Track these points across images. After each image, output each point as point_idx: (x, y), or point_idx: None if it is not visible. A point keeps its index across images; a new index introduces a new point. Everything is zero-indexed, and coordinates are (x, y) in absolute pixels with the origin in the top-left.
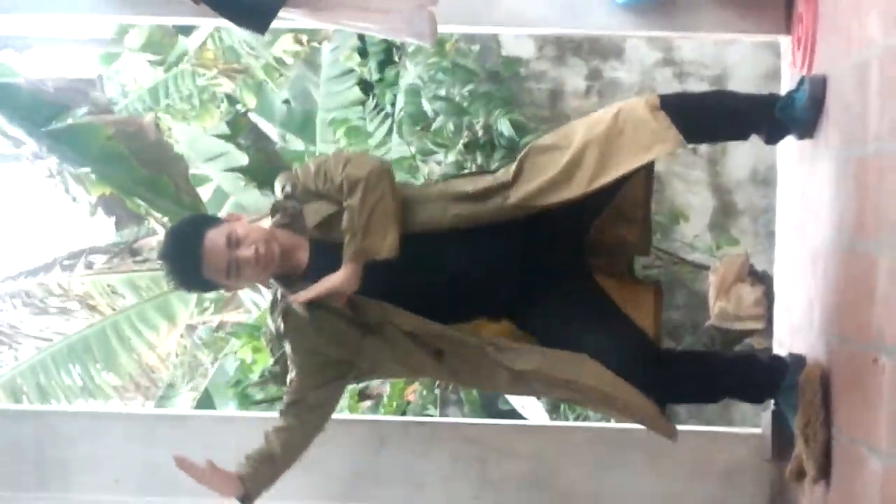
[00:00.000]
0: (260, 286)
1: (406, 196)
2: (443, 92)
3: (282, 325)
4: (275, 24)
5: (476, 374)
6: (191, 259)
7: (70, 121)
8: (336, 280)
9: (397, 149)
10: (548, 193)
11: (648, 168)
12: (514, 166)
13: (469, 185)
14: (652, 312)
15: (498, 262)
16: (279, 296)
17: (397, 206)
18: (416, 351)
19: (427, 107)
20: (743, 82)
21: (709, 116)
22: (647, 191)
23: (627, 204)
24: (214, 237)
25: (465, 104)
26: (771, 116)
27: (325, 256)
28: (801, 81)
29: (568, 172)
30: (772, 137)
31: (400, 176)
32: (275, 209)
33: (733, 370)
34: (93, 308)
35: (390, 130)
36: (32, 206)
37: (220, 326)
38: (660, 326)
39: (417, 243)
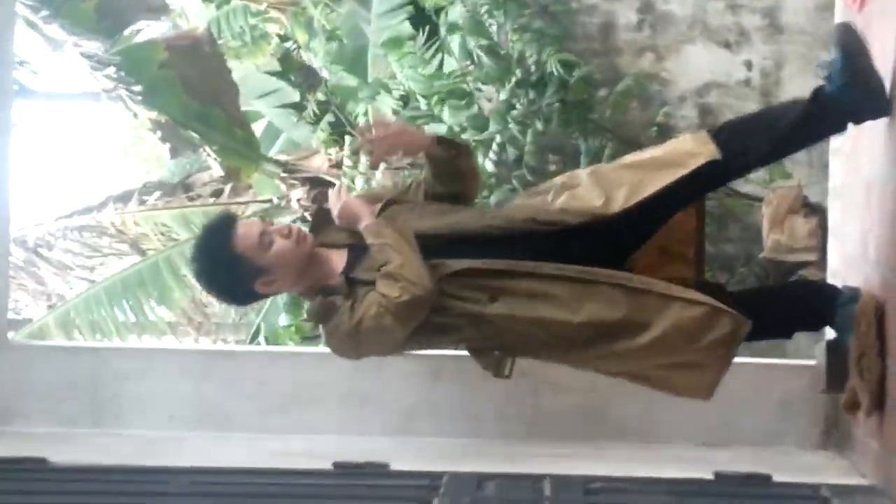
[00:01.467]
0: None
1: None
2: (494, 27)
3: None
4: None
5: (533, 304)
6: (223, 233)
7: (127, 32)
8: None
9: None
10: (580, 210)
11: (699, 206)
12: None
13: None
14: (692, 246)
15: None
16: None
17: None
18: (467, 303)
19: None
20: (795, 14)
21: (758, 133)
22: (698, 228)
23: (675, 242)
24: (249, 220)
25: (516, 39)
26: (819, 101)
27: (365, 259)
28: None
29: (604, 191)
30: (841, 121)
31: (455, 104)
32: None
33: (789, 298)
34: (143, 251)
35: (441, 64)
36: (95, 136)
37: None
38: (703, 256)
39: (447, 245)
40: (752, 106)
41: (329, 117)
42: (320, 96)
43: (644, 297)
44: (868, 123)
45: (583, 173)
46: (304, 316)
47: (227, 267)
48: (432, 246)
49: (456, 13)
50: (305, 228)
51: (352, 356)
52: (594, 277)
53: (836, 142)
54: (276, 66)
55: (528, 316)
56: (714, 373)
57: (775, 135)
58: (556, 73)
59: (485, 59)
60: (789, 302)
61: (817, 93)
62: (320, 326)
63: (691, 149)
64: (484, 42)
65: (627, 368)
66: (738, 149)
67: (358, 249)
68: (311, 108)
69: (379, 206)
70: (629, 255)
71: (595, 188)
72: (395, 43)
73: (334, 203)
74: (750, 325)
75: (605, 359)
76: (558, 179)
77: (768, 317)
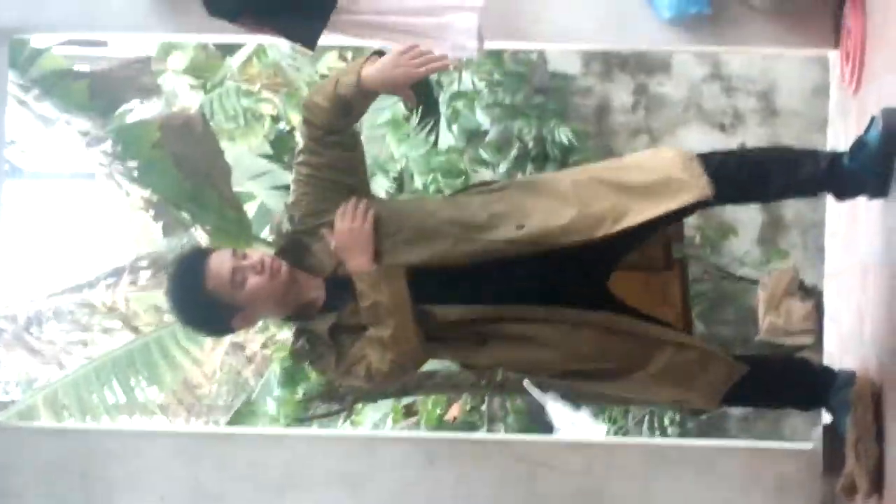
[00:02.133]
0: None
1: (414, 225)
2: (498, 99)
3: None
4: (321, 42)
5: (521, 348)
6: (194, 273)
7: (119, 111)
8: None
9: (446, 157)
10: (561, 235)
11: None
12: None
13: (481, 212)
14: (679, 299)
15: (512, 295)
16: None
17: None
18: (457, 347)
19: (481, 115)
20: (790, 96)
21: (751, 171)
22: (682, 285)
23: (661, 299)
24: (220, 253)
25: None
26: (833, 170)
27: (344, 290)
28: (872, 120)
29: (583, 214)
30: (844, 193)
31: (451, 185)
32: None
33: (784, 372)
34: (136, 329)
35: (436, 142)
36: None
37: (267, 344)
38: (689, 307)
39: (429, 276)
40: None
41: None
42: None
43: (635, 342)
44: (863, 206)
45: (563, 179)
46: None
47: (201, 307)
48: (421, 281)
49: (456, 88)
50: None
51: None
52: (586, 319)
53: (832, 225)
54: (269, 149)
55: (517, 359)
56: (705, 400)
57: (775, 188)
58: (564, 142)
59: (495, 124)
60: (784, 375)
61: (833, 162)
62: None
63: (681, 178)
64: (498, 100)
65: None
66: (731, 190)
67: (337, 282)
68: None
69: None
70: (606, 275)
71: (574, 204)
72: (396, 123)
73: (340, 228)
74: (745, 370)
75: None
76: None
77: (760, 385)
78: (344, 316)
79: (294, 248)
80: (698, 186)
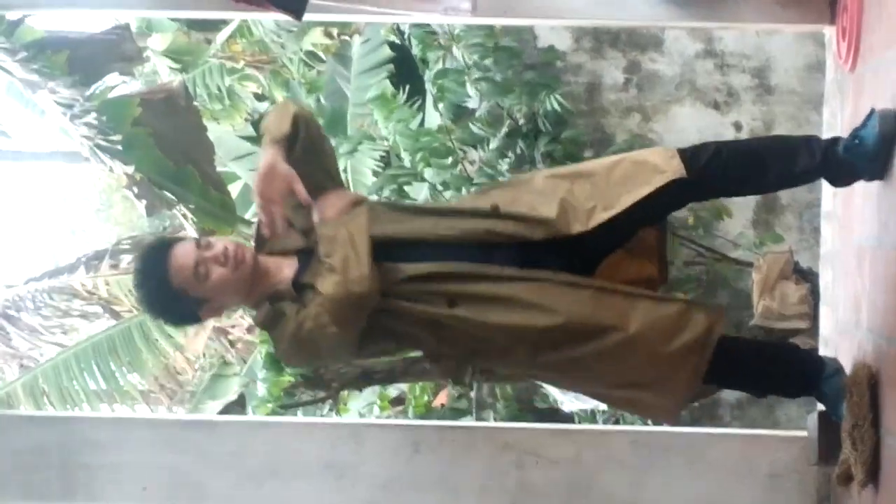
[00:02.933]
0: None
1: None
2: (488, 75)
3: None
4: (306, 17)
5: (492, 309)
6: (158, 267)
7: (100, 85)
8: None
9: (433, 136)
10: (538, 228)
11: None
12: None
13: (463, 204)
14: (655, 255)
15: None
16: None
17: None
18: (425, 308)
19: (471, 90)
20: (785, 73)
21: (745, 163)
22: (659, 238)
23: (641, 248)
24: (183, 245)
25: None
26: (828, 159)
27: (314, 262)
28: (870, 116)
29: (562, 205)
30: (839, 180)
31: (440, 164)
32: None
33: (774, 357)
34: (116, 314)
35: (423, 122)
36: (66, 197)
37: (251, 329)
38: (666, 266)
39: (407, 250)
40: None
41: None
42: None
43: (610, 297)
44: (860, 188)
45: (539, 177)
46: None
47: (168, 300)
48: (393, 250)
49: (441, 66)
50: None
51: (301, 363)
52: (557, 279)
53: (827, 206)
54: (252, 131)
55: (487, 321)
56: (680, 389)
57: (770, 181)
58: (556, 110)
59: (485, 100)
60: (774, 361)
61: (828, 150)
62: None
63: (656, 164)
64: (488, 76)
65: (592, 385)
66: (723, 182)
67: (309, 253)
68: None
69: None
70: (592, 269)
71: (552, 199)
72: (383, 99)
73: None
74: (723, 316)
75: (571, 368)
76: (511, 180)
77: (748, 368)
78: (308, 275)
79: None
80: (671, 169)
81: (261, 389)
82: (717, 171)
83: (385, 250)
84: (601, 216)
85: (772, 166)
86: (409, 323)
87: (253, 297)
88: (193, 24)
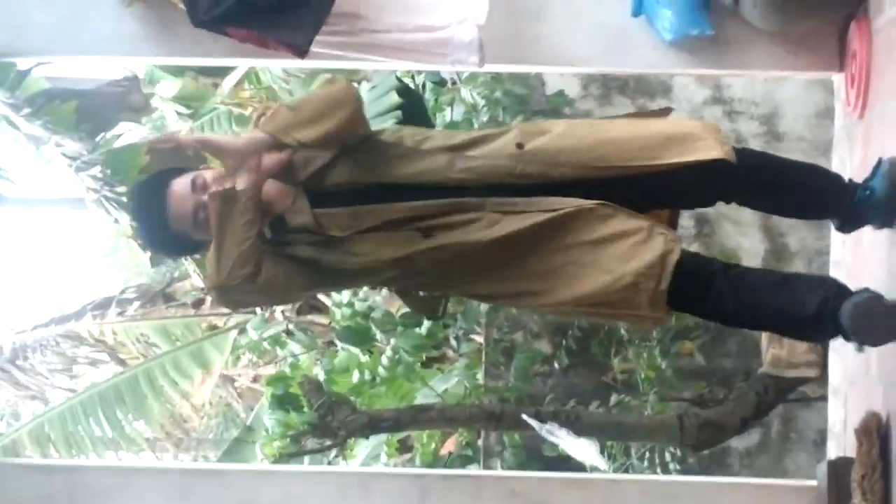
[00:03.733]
0: None
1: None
2: (499, 117)
3: None
4: (314, 64)
5: (466, 230)
6: (156, 210)
7: (108, 134)
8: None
9: None
10: (562, 163)
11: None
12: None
13: (474, 134)
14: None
15: None
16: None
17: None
18: (398, 237)
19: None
20: (794, 120)
21: (779, 177)
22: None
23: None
24: (180, 183)
25: None
26: (849, 203)
27: (320, 206)
28: (878, 165)
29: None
30: (847, 226)
31: None
32: None
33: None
34: (122, 361)
35: None
36: (73, 243)
37: (257, 378)
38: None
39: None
40: (748, 215)
41: None
42: None
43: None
44: (868, 236)
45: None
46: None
47: (168, 243)
48: (387, 193)
49: (449, 119)
50: None
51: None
52: (541, 206)
53: (836, 254)
54: None
55: (459, 243)
56: (644, 311)
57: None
58: None
59: None
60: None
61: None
62: None
63: (704, 136)
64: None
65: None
66: (752, 169)
67: (313, 195)
68: None
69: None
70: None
71: (587, 140)
72: None
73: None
74: (678, 242)
75: (546, 275)
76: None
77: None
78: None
79: None
80: (722, 149)
81: (268, 423)
82: (751, 167)
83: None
84: (643, 163)
85: (800, 185)
86: (374, 262)
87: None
88: (202, 70)
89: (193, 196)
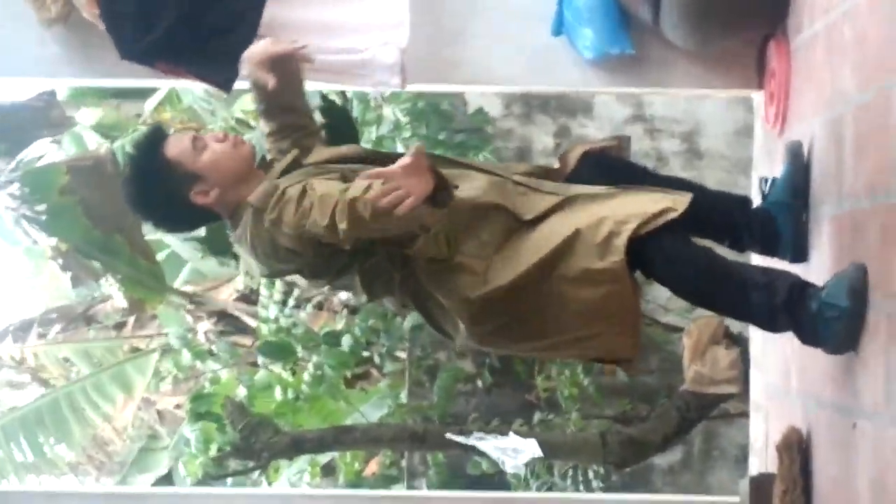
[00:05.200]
0: None
1: None
2: (422, 132)
3: None
4: (235, 85)
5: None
6: (153, 141)
7: (28, 154)
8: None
9: None
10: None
11: None
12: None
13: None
14: None
15: None
16: None
17: None
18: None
19: (402, 149)
20: (715, 138)
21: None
22: None
23: None
24: (178, 133)
25: (443, 149)
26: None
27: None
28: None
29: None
30: (764, 245)
31: None
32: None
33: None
34: (45, 382)
35: None
36: None
37: (179, 405)
38: None
39: None
40: None
41: None
42: None
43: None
44: None
45: None
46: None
47: (158, 177)
48: None
49: (380, 129)
50: None
51: (289, 246)
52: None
53: None
54: None
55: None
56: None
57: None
58: None
59: None
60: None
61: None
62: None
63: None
64: (421, 133)
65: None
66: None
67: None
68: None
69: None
70: None
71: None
72: None
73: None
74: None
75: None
76: None
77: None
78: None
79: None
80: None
81: (191, 438)
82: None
83: None
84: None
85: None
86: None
87: (238, 193)
88: (123, 94)
89: (194, 133)
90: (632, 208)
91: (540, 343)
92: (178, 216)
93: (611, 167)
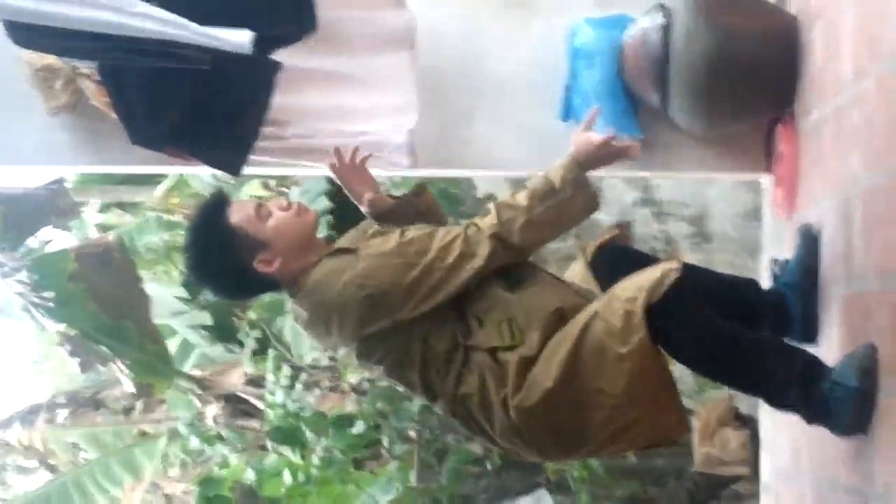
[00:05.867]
0: None
1: None
2: None
3: None
4: (244, 170)
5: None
6: (218, 208)
7: (36, 241)
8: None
9: None
10: None
11: None
12: None
13: None
14: None
15: None
16: None
17: None
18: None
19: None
20: (723, 221)
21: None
22: None
23: None
24: (241, 199)
25: None
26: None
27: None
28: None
29: None
30: (775, 325)
31: None
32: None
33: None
34: (53, 468)
35: None
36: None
37: (187, 492)
38: None
39: None
40: None
41: (256, 332)
42: (251, 315)
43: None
44: None
45: None
46: None
47: (222, 244)
48: None
49: None
50: None
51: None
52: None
53: None
54: (184, 293)
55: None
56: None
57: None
58: None
59: None
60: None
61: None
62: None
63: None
64: None
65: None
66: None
67: None
68: (245, 329)
69: None
70: None
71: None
72: None
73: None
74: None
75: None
76: None
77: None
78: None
79: None
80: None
81: None
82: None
83: None
84: None
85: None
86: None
87: (299, 262)
88: (131, 181)
89: (257, 201)
90: (636, 283)
91: (588, 448)
92: (240, 284)
93: (623, 255)
